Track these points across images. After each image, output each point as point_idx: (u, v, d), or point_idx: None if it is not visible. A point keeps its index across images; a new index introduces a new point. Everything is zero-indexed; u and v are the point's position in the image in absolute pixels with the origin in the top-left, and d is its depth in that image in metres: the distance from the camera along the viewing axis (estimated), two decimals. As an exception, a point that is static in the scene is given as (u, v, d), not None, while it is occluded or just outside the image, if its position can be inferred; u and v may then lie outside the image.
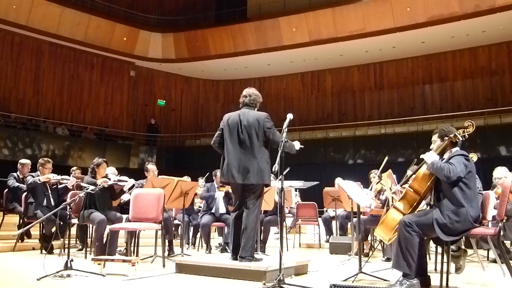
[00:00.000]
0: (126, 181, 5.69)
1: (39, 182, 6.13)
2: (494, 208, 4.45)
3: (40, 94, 16.59)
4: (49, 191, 6.29)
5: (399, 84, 17.47)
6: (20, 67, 16.15)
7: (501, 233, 3.85)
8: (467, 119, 3.87)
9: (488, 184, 6.32)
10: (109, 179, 5.58)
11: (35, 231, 6.64)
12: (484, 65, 16.13)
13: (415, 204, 3.61)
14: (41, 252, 5.92)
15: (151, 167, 6.40)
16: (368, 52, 16.64)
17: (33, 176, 6.25)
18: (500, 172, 5.87)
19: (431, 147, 3.76)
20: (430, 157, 3.54)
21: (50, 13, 15.55)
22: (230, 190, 5.55)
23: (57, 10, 15.64)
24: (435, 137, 3.75)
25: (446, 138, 3.65)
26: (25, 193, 6.30)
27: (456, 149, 3.63)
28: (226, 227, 6.49)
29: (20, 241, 6.52)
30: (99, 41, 16.98)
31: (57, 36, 16.15)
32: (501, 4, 13.23)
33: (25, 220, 6.25)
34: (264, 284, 3.71)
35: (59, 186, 6.48)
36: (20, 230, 5.24)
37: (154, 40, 17.99)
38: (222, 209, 6.50)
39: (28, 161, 7.02)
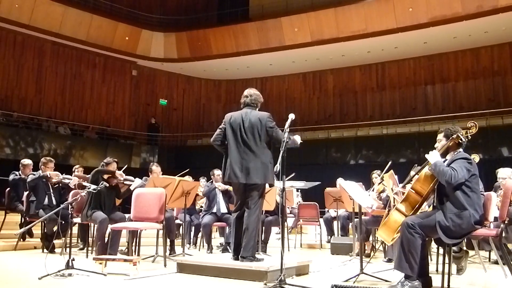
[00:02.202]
0: (133, 181, 5.73)
1: (49, 176, 6.15)
2: (496, 207, 4.43)
3: (42, 93, 16.59)
4: (51, 190, 6.30)
5: (401, 85, 17.44)
6: (22, 66, 16.15)
7: (503, 235, 3.84)
8: (469, 120, 3.85)
9: (490, 185, 6.31)
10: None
11: (36, 230, 6.66)
12: (486, 66, 16.09)
13: (417, 205, 3.59)
14: (43, 251, 5.94)
15: (155, 168, 6.35)
16: (370, 53, 16.62)
17: (35, 175, 6.24)
18: (504, 173, 5.82)
19: (435, 145, 3.73)
20: (433, 157, 3.53)
21: (53, 12, 15.56)
22: (230, 189, 5.56)
23: (59, 9, 15.65)
24: (440, 136, 3.71)
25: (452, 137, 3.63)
26: (27, 192, 6.31)
27: (459, 151, 3.61)
28: (227, 227, 6.49)
29: (21, 240, 6.53)
30: (101, 40, 16.98)
31: (60, 35, 16.15)
32: (504, 4, 13.19)
33: (27, 219, 6.26)
34: (266, 284, 3.72)
35: (61, 184, 6.48)
36: (22, 229, 5.24)
37: (156, 40, 17.98)
38: (223, 208, 6.51)
39: (30, 162, 6.99)
